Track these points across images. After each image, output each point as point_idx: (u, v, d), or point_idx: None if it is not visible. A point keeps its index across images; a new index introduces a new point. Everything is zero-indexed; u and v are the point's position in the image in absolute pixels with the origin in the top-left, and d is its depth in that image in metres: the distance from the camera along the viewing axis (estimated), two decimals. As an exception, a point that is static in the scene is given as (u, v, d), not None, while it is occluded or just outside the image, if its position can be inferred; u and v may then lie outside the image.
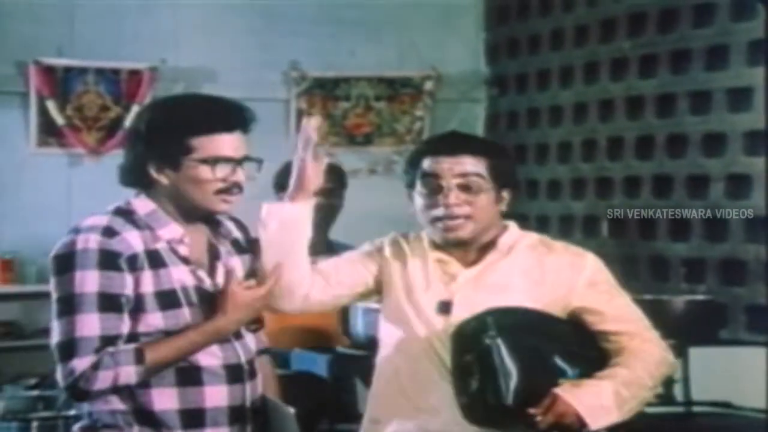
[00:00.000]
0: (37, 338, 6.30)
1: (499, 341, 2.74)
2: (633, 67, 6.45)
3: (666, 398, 4.91)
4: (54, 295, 2.63)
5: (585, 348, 2.89)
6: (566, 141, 6.91)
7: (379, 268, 2.97)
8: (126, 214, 2.70)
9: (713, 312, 5.31)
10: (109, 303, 2.59)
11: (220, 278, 2.74)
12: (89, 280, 2.59)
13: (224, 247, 2.80)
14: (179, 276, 2.67)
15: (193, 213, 2.74)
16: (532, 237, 3.01)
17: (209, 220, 2.79)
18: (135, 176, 2.71)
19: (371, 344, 3.10)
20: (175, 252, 2.69)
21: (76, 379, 2.57)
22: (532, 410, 2.71)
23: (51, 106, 6.65)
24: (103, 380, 2.57)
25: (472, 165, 2.91)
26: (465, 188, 2.90)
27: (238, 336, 2.74)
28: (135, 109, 6.68)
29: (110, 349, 2.58)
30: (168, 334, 2.64)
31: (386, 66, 7.25)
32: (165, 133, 2.67)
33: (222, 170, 2.69)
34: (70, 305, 2.59)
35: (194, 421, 2.66)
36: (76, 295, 2.59)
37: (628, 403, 2.83)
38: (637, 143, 6.42)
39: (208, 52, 6.89)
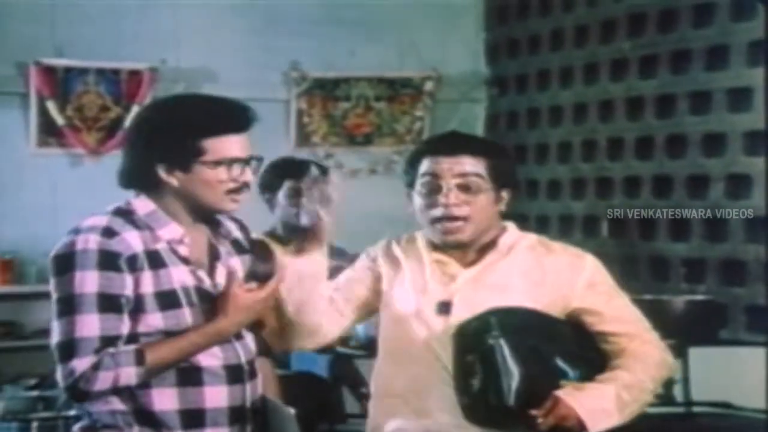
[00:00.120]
0: (37, 338, 6.30)
1: (502, 341, 2.74)
2: (633, 67, 6.45)
3: (666, 398, 4.92)
4: (54, 296, 2.63)
5: (585, 349, 2.89)
6: (566, 141, 6.91)
7: (375, 279, 2.97)
8: (126, 214, 2.69)
9: (713, 312, 5.32)
10: (108, 303, 2.58)
11: (219, 278, 2.74)
12: (89, 281, 2.58)
13: (224, 248, 2.80)
14: (179, 276, 2.67)
15: (198, 213, 2.74)
16: (531, 238, 3.00)
17: (210, 220, 2.79)
18: (141, 178, 2.70)
19: (371, 345, 3.09)
20: (175, 252, 2.68)
21: (77, 379, 2.57)
22: (533, 412, 2.71)
23: (51, 106, 6.66)
24: (103, 381, 2.57)
25: (471, 165, 2.91)
26: (464, 188, 2.90)
27: (238, 336, 2.74)
28: (135, 109, 6.68)
29: (110, 349, 2.57)
30: (168, 334, 2.64)
31: (386, 66, 7.25)
32: (175, 135, 2.66)
33: (232, 170, 2.70)
34: (69, 306, 2.59)
35: (194, 421, 2.66)
36: (76, 295, 2.58)
37: (628, 407, 2.83)
38: (637, 143, 6.42)
39: (208, 52, 6.89)
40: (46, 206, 6.45)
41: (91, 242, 2.60)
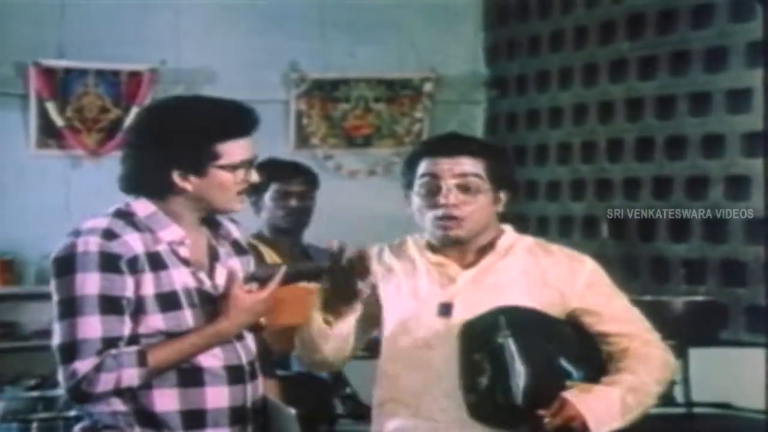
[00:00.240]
0: (37, 339, 6.31)
1: (511, 340, 2.74)
2: (632, 68, 6.46)
3: (666, 399, 4.92)
4: (55, 298, 2.62)
5: (586, 350, 2.90)
6: (566, 142, 6.91)
7: (373, 289, 2.97)
8: (126, 216, 2.69)
9: (713, 313, 5.32)
10: (110, 305, 2.59)
11: (219, 279, 2.74)
12: (90, 283, 2.58)
13: (224, 249, 2.80)
14: (180, 278, 2.67)
15: (204, 215, 2.75)
16: (529, 240, 3.01)
17: (210, 221, 2.79)
18: (152, 183, 2.69)
19: (373, 346, 3.09)
20: (175, 254, 2.68)
21: (79, 381, 2.57)
22: (541, 412, 2.71)
23: (51, 107, 6.66)
24: (105, 382, 2.57)
25: (470, 165, 2.91)
26: (464, 189, 2.90)
27: (239, 337, 2.74)
28: (135, 110, 6.69)
29: (112, 351, 2.58)
30: (168, 335, 2.64)
31: (386, 67, 7.26)
32: (191, 140, 2.66)
33: (243, 172, 2.71)
34: (71, 308, 2.58)
35: (195, 422, 2.66)
36: (77, 297, 2.58)
37: (632, 411, 2.84)
38: (636, 144, 6.43)
39: (208, 53, 6.89)
40: (45, 207, 6.46)
41: (92, 244, 2.60)
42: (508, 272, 2.92)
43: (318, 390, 4.71)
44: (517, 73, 7.33)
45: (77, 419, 2.75)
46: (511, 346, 2.73)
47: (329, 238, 3.30)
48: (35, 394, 5.86)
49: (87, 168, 6.72)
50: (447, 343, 2.85)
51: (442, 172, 2.90)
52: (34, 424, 5.56)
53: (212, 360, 2.68)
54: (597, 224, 6.59)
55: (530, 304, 2.87)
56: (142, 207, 2.70)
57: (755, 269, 5.68)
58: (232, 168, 2.70)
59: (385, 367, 2.96)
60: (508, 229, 3.00)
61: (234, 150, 2.69)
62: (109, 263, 2.59)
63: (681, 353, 4.69)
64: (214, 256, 2.77)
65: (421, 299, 2.91)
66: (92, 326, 2.57)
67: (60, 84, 6.69)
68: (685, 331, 4.68)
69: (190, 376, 2.66)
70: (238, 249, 2.85)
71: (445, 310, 2.88)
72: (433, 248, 2.96)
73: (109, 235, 2.62)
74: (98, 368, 2.56)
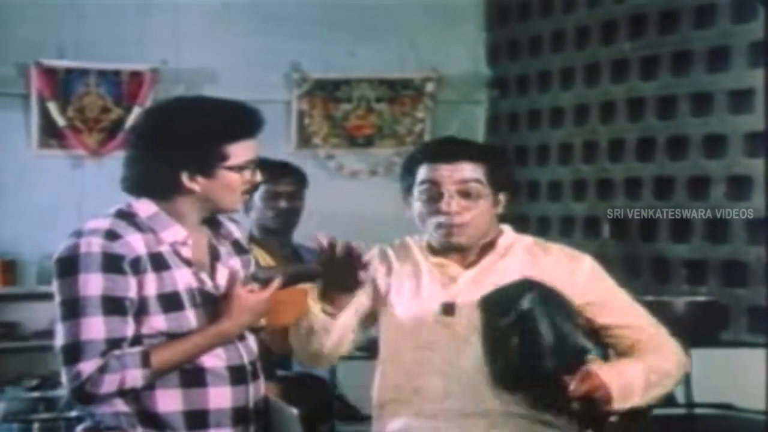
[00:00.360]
0: (38, 340, 6.31)
1: (540, 307, 2.72)
2: (634, 68, 6.45)
3: (668, 400, 4.92)
4: (57, 299, 2.62)
5: (597, 338, 2.90)
6: (567, 142, 6.91)
7: (375, 287, 2.96)
8: (128, 216, 2.69)
9: (714, 313, 5.32)
10: (113, 306, 2.59)
11: (220, 280, 2.74)
12: (93, 284, 2.58)
13: (224, 248, 2.80)
14: (182, 278, 2.67)
15: (208, 215, 2.75)
16: (528, 239, 3.01)
17: (211, 221, 2.79)
18: (160, 185, 2.70)
19: (372, 346, 3.09)
20: (177, 254, 2.69)
21: (83, 382, 2.56)
22: (566, 378, 2.68)
23: (52, 107, 6.65)
24: (109, 383, 2.57)
25: (470, 171, 2.90)
26: (465, 194, 2.90)
27: (240, 337, 2.74)
28: (136, 110, 6.69)
29: (116, 352, 2.58)
30: (170, 336, 2.64)
31: (387, 67, 7.25)
32: (200, 141, 2.66)
33: (249, 173, 2.73)
34: (74, 308, 2.58)
35: (198, 422, 2.66)
36: (80, 298, 2.58)
37: (654, 389, 2.85)
38: (638, 145, 6.42)
39: (209, 53, 6.89)
40: (46, 207, 6.45)
41: (95, 245, 2.60)
42: (509, 272, 2.92)
43: (318, 390, 4.72)
44: (518, 73, 7.32)
45: (78, 420, 2.75)
46: (541, 311, 2.70)
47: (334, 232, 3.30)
48: (36, 394, 5.86)
49: (88, 168, 6.72)
50: (449, 343, 2.85)
51: (443, 179, 2.89)
52: (35, 425, 5.56)
53: (215, 360, 2.68)
54: (598, 224, 6.59)
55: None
56: (144, 207, 2.70)
57: (757, 270, 5.67)
58: (239, 169, 2.70)
59: (385, 367, 2.96)
60: (507, 229, 3.01)
61: (241, 151, 2.70)
62: (112, 264, 2.59)
63: (682, 354, 4.68)
64: (215, 256, 2.77)
65: (423, 299, 2.91)
66: (96, 327, 2.57)
67: (61, 84, 6.69)
68: (686, 332, 4.65)
69: (193, 377, 2.66)
70: (239, 249, 2.85)
71: (448, 310, 2.88)
72: (433, 249, 2.96)
73: (111, 235, 2.62)
74: (102, 369, 2.56)
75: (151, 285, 2.63)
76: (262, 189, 4.32)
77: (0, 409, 5.77)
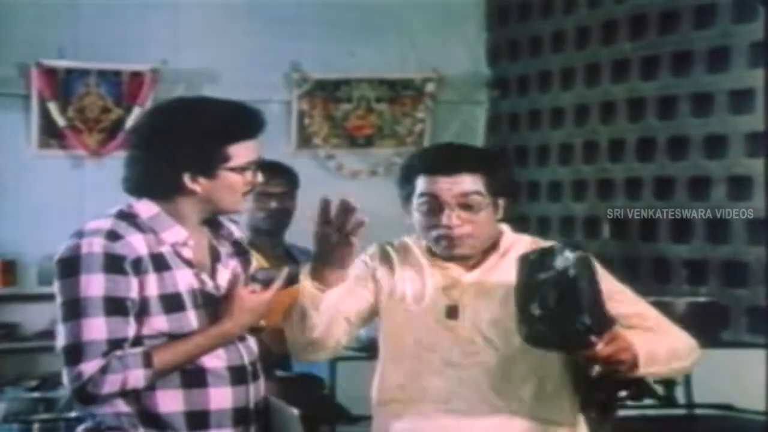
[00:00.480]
0: (38, 340, 6.31)
1: (581, 269, 2.68)
2: (634, 68, 6.46)
3: (668, 400, 4.92)
4: (59, 299, 2.62)
5: None
6: (567, 143, 6.91)
7: (375, 283, 2.95)
8: (129, 217, 2.69)
9: (715, 314, 5.32)
10: (114, 306, 2.58)
11: (221, 280, 2.74)
12: (94, 284, 2.58)
13: (225, 249, 2.80)
14: (183, 279, 2.67)
15: (209, 216, 2.75)
16: (527, 239, 3.00)
17: (212, 221, 2.79)
18: (161, 186, 2.69)
19: (372, 346, 3.09)
20: (178, 255, 2.69)
21: (84, 382, 2.56)
22: (594, 338, 2.66)
23: (52, 107, 6.66)
24: (111, 384, 2.57)
25: (470, 183, 2.88)
26: (465, 207, 2.87)
27: (241, 338, 2.74)
28: (136, 110, 6.69)
29: (118, 352, 2.58)
30: (172, 337, 2.64)
31: (387, 68, 7.25)
32: (202, 142, 2.66)
33: (250, 174, 2.73)
34: (75, 309, 2.58)
35: (199, 422, 2.66)
36: (82, 299, 2.58)
37: (675, 362, 2.83)
38: (638, 145, 6.42)
39: (209, 53, 6.89)
40: (47, 208, 6.45)
41: (96, 245, 2.60)
42: (510, 272, 2.91)
43: (318, 390, 4.72)
44: (518, 73, 7.33)
45: (78, 420, 2.75)
46: (581, 271, 2.67)
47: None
48: (36, 395, 5.85)
49: (89, 168, 6.72)
50: (452, 346, 2.85)
51: (442, 192, 2.87)
52: (35, 425, 5.55)
53: (215, 361, 2.68)
54: (598, 225, 6.59)
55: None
56: (145, 208, 2.70)
57: (757, 270, 5.68)
58: (241, 170, 2.70)
59: (387, 367, 2.95)
60: (506, 229, 3.00)
61: (243, 152, 2.70)
62: (114, 264, 2.59)
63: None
64: (215, 257, 2.77)
65: (426, 301, 2.90)
66: (97, 328, 2.57)
67: (61, 84, 6.69)
68: (687, 332, 4.67)
69: (194, 377, 2.66)
70: (240, 249, 2.85)
71: (451, 313, 2.87)
72: (434, 252, 2.95)
73: (112, 236, 2.62)
74: (104, 370, 2.56)
75: (153, 285, 2.63)
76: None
77: (0, 409, 5.77)
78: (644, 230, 6.33)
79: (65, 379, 2.59)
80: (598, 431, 3.02)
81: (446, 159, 2.94)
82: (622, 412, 3.81)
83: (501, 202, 2.93)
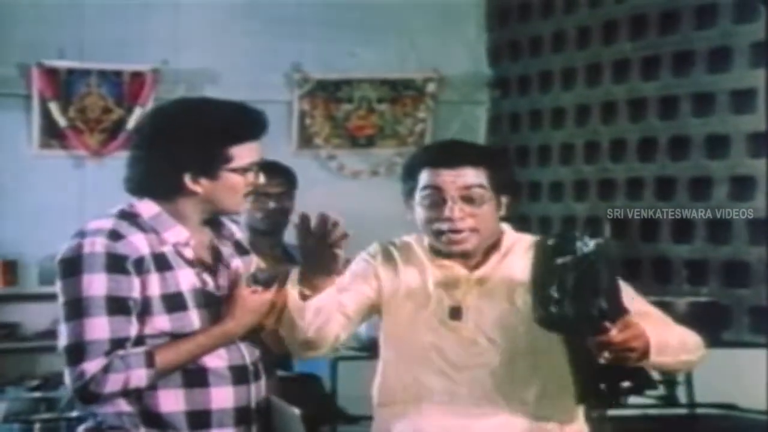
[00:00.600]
0: (39, 340, 6.31)
1: (600, 255, 2.67)
2: (635, 68, 6.46)
3: (670, 400, 4.92)
4: (61, 299, 2.62)
5: None
6: (568, 143, 6.91)
7: (377, 280, 2.95)
8: (130, 217, 2.69)
9: (716, 314, 5.32)
10: (117, 306, 2.59)
11: (222, 280, 2.74)
12: (97, 284, 2.58)
13: (226, 249, 2.80)
14: (185, 279, 2.67)
15: (210, 216, 2.75)
16: (528, 238, 3.00)
17: (213, 222, 2.79)
18: (163, 186, 2.69)
19: (373, 346, 3.08)
20: (180, 255, 2.69)
21: (87, 382, 2.56)
22: (608, 324, 2.65)
23: (53, 107, 6.66)
24: (113, 383, 2.57)
25: (473, 176, 2.88)
26: (468, 200, 2.87)
27: (242, 338, 2.74)
28: (137, 111, 6.69)
29: (120, 352, 2.58)
30: (173, 336, 2.64)
31: (388, 68, 7.26)
32: (204, 143, 2.66)
33: (252, 175, 2.73)
34: (78, 309, 2.58)
35: (200, 422, 2.66)
36: (84, 298, 2.58)
37: (683, 354, 2.82)
38: (639, 145, 6.43)
39: (210, 53, 6.89)
40: (48, 208, 6.45)
41: (98, 245, 2.60)
42: (513, 271, 2.91)
43: (319, 390, 4.72)
44: (519, 73, 7.33)
45: (80, 420, 2.75)
46: (600, 257, 2.66)
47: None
48: (37, 394, 5.85)
49: (89, 168, 6.72)
50: (455, 347, 2.85)
51: (445, 184, 2.87)
52: (37, 425, 5.55)
53: (217, 361, 2.68)
54: (599, 224, 6.59)
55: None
56: (147, 208, 2.70)
57: (758, 270, 5.68)
58: (243, 171, 2.71)
59: (388, 367, 2.95)
60: (507, 228, 3.00)
61: (245, 153, 2.70)
62: (116, 264, 2.59)
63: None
64: (217, 257, 2.77)
65: (429, 302, 2.89)
66: (100, 327, 2.57)
67: (63, 84, 6.70)
68: (690, 332, 4.67)
69: (195, 377, 2.66)
70: (241, 250, 2.85)
71: (455, 313, 2.87)
72: (436, 251, 2.95)
73: (114, 235, 2.62)
74: (106, 369, 2.56)
75: (155, 285, 2.63)
76: None
77: (1, 409, 5.77)
78: (645, 230, 6.33)
79: (67, 378, 2.59)
80: (598, 431, 3.02)
81: (449, 152, 2.95)
82: (622, 412, 3.81)
83: (503, 199, 2.94)
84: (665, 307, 4.75)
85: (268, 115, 2.79)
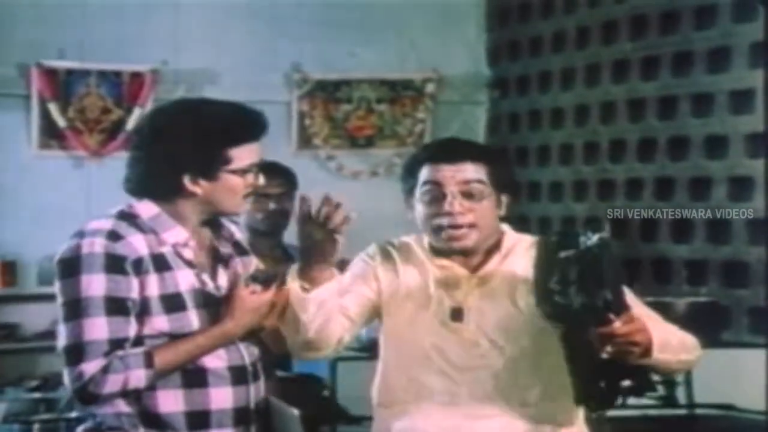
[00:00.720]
0: (38, 341, 6.31)
1: (603, 249, 2.66)
2: (635, 69, 6.46)
3: (669, 401, 4.92)
4: (60, 299, 2.62)
5: None
6: (568, 143, 6.91)
7: (377, 282, 2.95)
8: (129, 217, 2.69)
9: (715, 314, 5.32)
10: (116, 306, 2.59)
11: (221, 281, 2.74)
12: (96, 284, 2.58)
13: (226, 250, 2.80)
14: (184, 279, 2.67)
15: (209, 217, 2.75)
16: (528, 238, 3.00)
17: (212, 222, 2.79)
18: (162, 187, 2.69)
19: (373, 346, 3.08)
20: (179, 255, 2.69)
21: (86, 382, 2.56)
22: (612, 317, 2.65)
23: (53, 108, 6.66)
24: (112, 384, 2.57)
25: (473, 171, 2.89)
26: (468, 195, 2.88)
27: (241, 338, 2.74)
28: (137, 111, 6.69)
29: (119, 352, 2.58)
30: (172, 337, 2.64)
31: (387, 68, 7.26)
32: (203, 144, 2.66)
33: (251, 176, 2.73)
34: (76, 309, 2.58)
35: (199, 422, 2.66)
36: (83, 299, 2.58)
37: (682, 353, 2.82)
38: (638, 145, 6.43)
39: (209, 54, 6.89)
40: (47, 208, 6.45)
41: (97, 245, 2.60)
42: (513, 273, 2.91)
43: (318, 390, 4.72)
44: (519, 73, 7.33)
45: (79, 421, 2.75)
46: (603, 251, 2.66)
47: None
48: (37, 395, 5.86)
49: (89, 169, 6.72)
50: (456, 348, 2.84)
51: (445, 179, 2.87)
52: (36, 426, 5.56)
53: (216, 361, 2.68)
54: (599, 225, 6.58)
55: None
56: (146, 208, 2.70)
57: (758, 270, 5.67)
58: (242, 172, 2.71)
59: (389, 368, 2.94)
60: (507, 229, 3.00)
61: (244, 154, 2.70)
62: (115, 264, 2.60)
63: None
64: (216, 258, 2.77)
65: (429, 303, 2.89)
66: (99, 327, 2.57)
67: (62, 85, 6.70)
68: (687, 333, 4.68)
69: (194, 377, 2.66)
70: (240, 250, 2.85)
71: (456, 315, 2.87)
72: (436, 251, 2.94)
73: (113, 236, 2.62)
74: (105, 370, 2.56)
75: (154, 286, 2.63)
76: None
77: (1, 410, 5.78)
78: (645, 230, 6.32)
79: (66, 379, 2.59)
80: (598, 431, 3.02)
81: (449, 148, 2.96)
82: (622, 412, 3.81)
83: (503, 198, 2.94)
84: (665, 307, 4.77)
85: (268, 115, 2.78)
